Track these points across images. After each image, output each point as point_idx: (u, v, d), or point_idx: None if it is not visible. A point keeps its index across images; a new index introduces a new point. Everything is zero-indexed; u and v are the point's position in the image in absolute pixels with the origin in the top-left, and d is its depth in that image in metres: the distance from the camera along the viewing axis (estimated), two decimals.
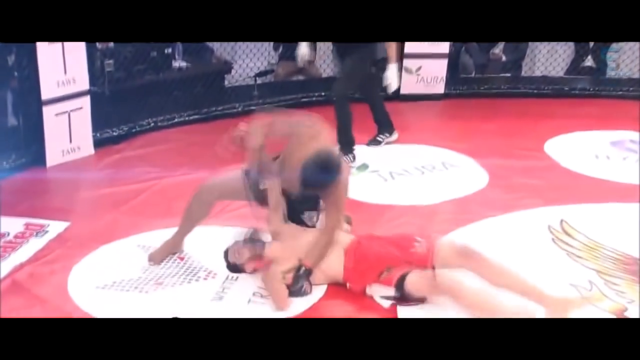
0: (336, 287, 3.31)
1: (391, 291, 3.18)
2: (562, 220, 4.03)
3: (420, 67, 6.37)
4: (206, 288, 3.37)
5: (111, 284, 3.40)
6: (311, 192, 3.24)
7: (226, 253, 3.45)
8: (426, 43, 6.06)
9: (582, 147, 5.27)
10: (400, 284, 3.13)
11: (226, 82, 6.40)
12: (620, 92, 6.55)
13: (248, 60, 6.35)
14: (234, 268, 3.44)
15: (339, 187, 3.17)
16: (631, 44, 6.67)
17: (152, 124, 5.56)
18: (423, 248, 3.22)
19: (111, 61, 5.50)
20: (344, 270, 3.26)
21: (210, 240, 3.74)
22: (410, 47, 6.23)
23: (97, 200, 4.31)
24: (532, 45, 6.93)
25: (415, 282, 3.11)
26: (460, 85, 6.65)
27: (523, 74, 7.05)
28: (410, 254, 3.20)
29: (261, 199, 3.40)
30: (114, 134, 5.33)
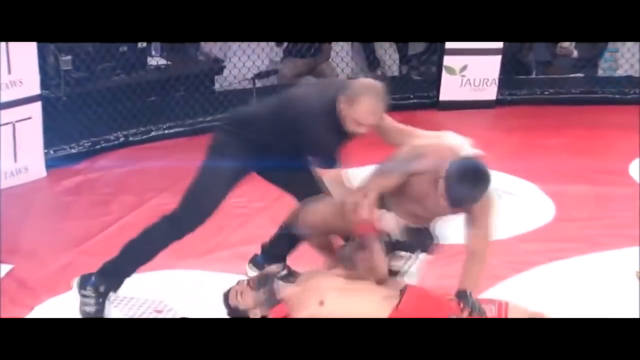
0: None
1: None
2: None
3: (465, 65, 6.39)
4: None
5: None
6: (460, 209, 3.33)
7: (226, 295, 3.49)
8: None
9: None
10: None
11: (217, 85, 6.44)
12: None
13: (245, 57, 6.39)
14: (236, 313, 3.48)
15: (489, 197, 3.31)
16: None
17: (122, 139, 5.60)
18: (493, 314, 3.26)
19: (69, 57, 5.54)
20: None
21: (197, 289, 3.76)
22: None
23: (49, 237, 4.32)
24: None
25: None
26: (518, 88, 6.67)
27: (601, 73, 7.06)
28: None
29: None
30: (73, 151, 5.37)
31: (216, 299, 3.67)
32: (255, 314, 3.44)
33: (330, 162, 3.47)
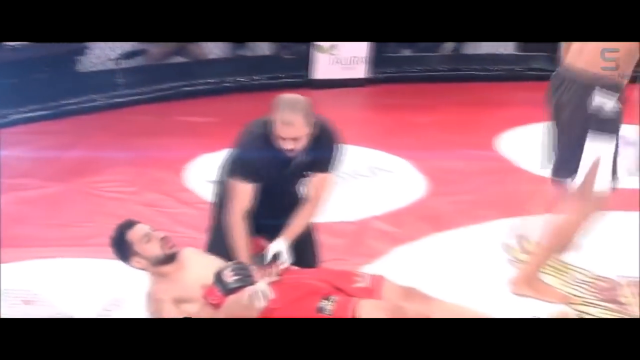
0: None
1: None
2: (520, 236, 4.14)
3: (334, 44, 6.45)
4: None
5: None
6: None
7: (130, 223, 3.33)
8: None
9: (543, 143, 5.45)
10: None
11: (79, 67, 6.29)
12: None
13: None
14: (122, 245, 3.30)
15: None
16: None
17: None
18: (367, 283, 3.30)
19: None
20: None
21: (69, 277, 3.69)
22: None
23: None
24: None
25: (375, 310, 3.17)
26: (387, 66, 6.78)
27: (465, 51, 7.27)
28: (353, 289, 3.27)
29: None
30: None
31: (90, 286, 3.61)
32: (138, 262, 3.28)
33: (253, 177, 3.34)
